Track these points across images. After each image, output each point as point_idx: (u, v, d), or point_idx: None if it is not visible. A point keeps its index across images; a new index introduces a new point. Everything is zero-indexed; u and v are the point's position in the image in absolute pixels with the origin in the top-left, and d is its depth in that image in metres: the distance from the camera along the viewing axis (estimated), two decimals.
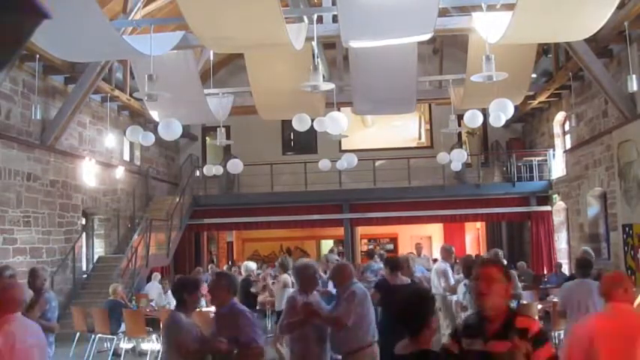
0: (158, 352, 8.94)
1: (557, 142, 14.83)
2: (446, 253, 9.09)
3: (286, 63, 9.21)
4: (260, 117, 11.61)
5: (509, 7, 6.88)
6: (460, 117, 11.23)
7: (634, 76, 8.73)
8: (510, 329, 2.57)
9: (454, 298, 8.14)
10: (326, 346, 4.82)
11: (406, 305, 2.99)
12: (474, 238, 20.44)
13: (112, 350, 9.18)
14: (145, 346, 9.44)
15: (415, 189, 15.71)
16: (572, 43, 10.01)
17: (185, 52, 9.45)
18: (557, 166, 14.81)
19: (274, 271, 11.58)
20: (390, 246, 20.21)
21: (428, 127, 18.63)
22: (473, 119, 10.16)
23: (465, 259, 8.25)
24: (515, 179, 15.27)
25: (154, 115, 10.81)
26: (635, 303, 3.70)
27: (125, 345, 9.45)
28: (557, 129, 14.86)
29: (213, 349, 3.89)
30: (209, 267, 14.98)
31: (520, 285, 9.12)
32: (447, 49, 16.10)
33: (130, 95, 13.33)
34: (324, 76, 11.24)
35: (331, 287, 7.44)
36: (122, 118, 14.53)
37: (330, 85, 8.49)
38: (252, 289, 8.73)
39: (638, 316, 3.14)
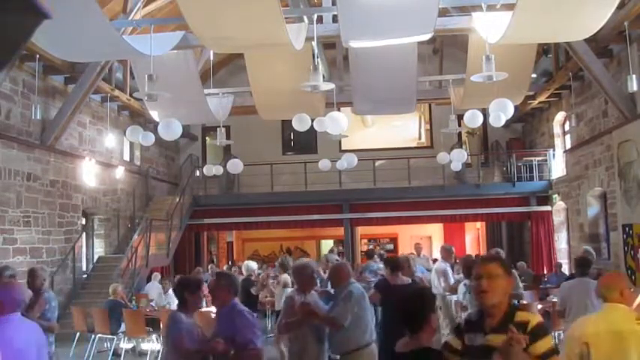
0: (158, 352, 8.95)
1: (557, 142, 14.83)
2: (446, 253, 9.10)
3: (286, 63, 9.21)
4: (260, 117, 11.61)
5: (509, 7, 6.87)
6: (460, 117, 11.22)
7: (634, 76, 8.72)
8: (510, 323, 2.58)
9: (454, 298, 8.15)
10: (324, 346, 4.82)
11: (407, 303, 3.00)
12: (474, 238, 20.44)
13: (112, 350, 9.18)
14: (145, 346, 9.45)
15: (415, 189, 15.71)
16: (572, 43, 10.01)
17: (185, 52, 9.45)
18: (557, 166, 14.81)
19: (274, 271, 11.59)
20: (390, 246, 20.22)
21: (428, 127, 18.63)
22: (473, 119, 10.16)
23: (465, 259, 8.26)
24: (515, 179, 15.27)
25: (154, 115, 10.81)
26: (635, 303, 3.69)
27: (125, 345, 9.45)
28: (557, 129, 14.86)
29: (210, 350, 3.89)
30: (209, 267, 14.99)
31: (522, 285, 9.12)
32: (447, 49, 16.10)
33: (130, 95, 13.33)
34: (324, 76, 11.24)
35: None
36: (122, 118, 14.54)
37: (330, 85, 8.48)
38: (252, 290, 8.71)
39: (633, 317, 3.12)
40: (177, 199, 15.22)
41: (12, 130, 10.34)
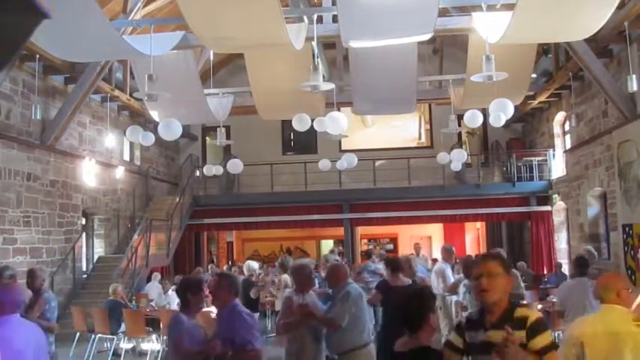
0: (158, 352, 8.95)
1: (557, 142, 14.83)
2: (446, 253, 9.09)
3: (286, 63, 9.21)
4: (260, 117, 11.61)
5: (509, 7, 6.87)
6: (460, 117, 11.23)
7: (634, 76, 8.72)
8: (509, 319, 2.59)
9: (454, 298, 8.15)
10: (321, 346, 4.82)
11: (406, 303, 3.01)
12: (473, 238, 20.43)
13: (112, 350, 9.18)
14: (145, 346, 9.45)
15: (415, 189, 15.71)
16: (572, 43, 10.01)
17: (185, 52, 9.45)
18: (557, 166, 14.81)
19: (274, 272, 11.58)
20: (390, 246, 20.21)
21: (428, 127, 18.63)
22: (473, 119, 10.16)
23: (465, 259, 8.26)
24: (515, 179, 15.28)
25: (154, 115, 10.81)
26: (635, 303, 3.69)
27: (125, 345, 9.44)
28: (557, 129, 14.86)
29: (208, 352, 3.88)
30: (209, 267, 14.99)
31: (523, 285, 9.12)
32: (447, 49, 16.10)
33: (130, 95, 13.33)
34: (324, 76, 11.24)
35: None
36: (122, 118, 14.54)
37: (330, 85, 8.48)
38: (251, 294, 8.57)
39: (629, 319, 3.11)
40: (177, 199, 15.23)
41: (12, 130, 10.34)
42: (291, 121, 10.20)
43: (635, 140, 9.93)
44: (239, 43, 7.88)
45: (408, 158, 16.21)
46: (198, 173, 16.91)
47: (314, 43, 7.89)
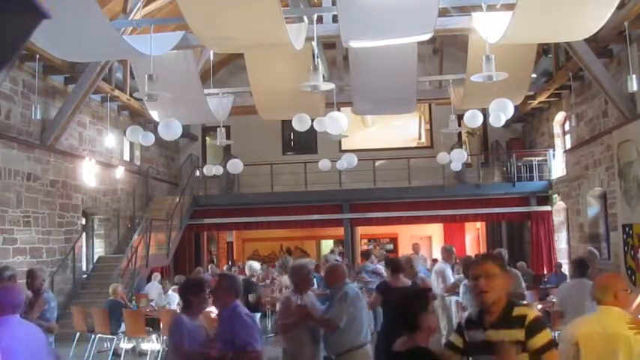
0: (158, 352, 8.95)
1: (557, 142, 14.83)
2: (446, 253, 9.09)
3: (286, 63, 9.21)
4: (260, 117, 11.61)
5: (509, 7, 6.87)
6: (460, 117, 11.23)
7: (634, 76, 8.72)
8: (507, 318, 2.60)
9: (453, 298, 8.15)
10: (319, 346, 4.82)
11: (402, 304, 3.03)
12: (473, 238, 20.43)
13: (112, 350, 9.18)
14: (145, 346, 9.45)
15: (415, 189, 15.71)
16: (572, 43, 10.01)
17: (185, 52, 9.45)
18: (557, 166, 14.81)
19: (275, 271, 11.59)
20: (390, 246, 20.22)
21: (428, 127, 18.63)
22: (473, 119, 10.16)
23: (465, 259, 8.26)
24: (515, 179, 15.27)
25: (154, 115, 10.81)
26: (635, 303, 3.69)
27: (125, 345, 9.44)
28: (557, 129, 14.86)
29: (207, 353, 3.88)
30: (209, 267, 14.99)
31: (524, 285, 9.11)
32: (447, 49, 16.10)
33: (130, 95, 13.33)
34: (324, 76, 11.24)
35: None
36: (122, 118, 14.53)
37: (330, 85, 8.48)
38: (250, 298, 8.51)
39: (625, 320, 3.11)
40: (177, 199, 15.23)
41: (12, 130, 10.34)
42: (291, 121, 10.20)
43: (635, 140, 9.93)
44: (239, 43, 7.88)
45: (408, 158, 16.21)
46: (198, 173, 16.91)
47: (314, 43, 7.89)
